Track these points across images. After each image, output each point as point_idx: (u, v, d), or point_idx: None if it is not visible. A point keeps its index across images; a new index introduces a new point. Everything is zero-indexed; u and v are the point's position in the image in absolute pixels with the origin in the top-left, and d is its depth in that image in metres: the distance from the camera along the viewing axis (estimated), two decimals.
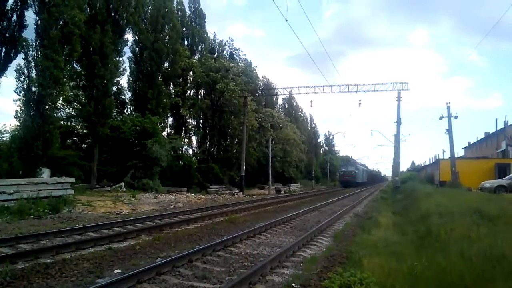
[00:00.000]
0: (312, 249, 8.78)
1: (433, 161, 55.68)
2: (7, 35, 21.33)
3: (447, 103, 30.76)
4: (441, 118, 30.21)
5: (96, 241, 8.27)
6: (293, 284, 5.61)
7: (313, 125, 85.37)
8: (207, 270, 6.50)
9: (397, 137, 34.56)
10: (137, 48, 33.10)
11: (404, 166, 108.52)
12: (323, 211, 17.03)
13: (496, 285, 4.93)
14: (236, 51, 40.55)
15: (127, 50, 31.21)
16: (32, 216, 11.51)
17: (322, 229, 11.38)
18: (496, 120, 47.57)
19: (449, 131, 29.56)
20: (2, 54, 21.50)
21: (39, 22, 19.99)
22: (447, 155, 34.07)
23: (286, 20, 15.69)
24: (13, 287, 5.05)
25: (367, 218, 14.68)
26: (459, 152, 59.17)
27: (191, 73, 37.96)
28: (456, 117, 30.24)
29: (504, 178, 24.67)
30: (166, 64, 34.28)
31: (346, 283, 5.36)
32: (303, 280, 5.82)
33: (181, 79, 37.73)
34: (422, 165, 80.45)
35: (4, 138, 27.99)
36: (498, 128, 46.78)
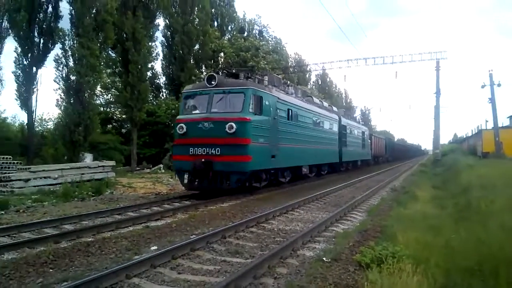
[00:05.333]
0: (345, 224, 8.73)
1: (476, 132, 53.15)
2: (44, 26, 22.17)
3: (489, 71, 29.04)
4: (483, 86, 28.65)
5: (135, 220, 8.62)
6: (324, 258, 5.62)
7: (348, 101, 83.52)
8: (239, 245, 6.64)
9: (436, 108, 33.26)
10: (169, 32, 33.38)
11: (446, 139, 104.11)
12: (358, 187, 16.80)
13: None
14: (265, 28, 40.05)
15: (159, 35, 31.65)
16: (76, 199, 12.12)
17: (356, 204, 11.26)
18: None
19: (492, 100, 28.03)
20: (41, 45, 22.39)
21: (73, 12, 20.63)
22: (490, 125, 32.37)
23: None
24: (55, 264, 5.37)
25: (404, 192, 14.35)
26: (504, 121, 55.82)
27: (221, 54, 37.92)
28: (499, 85, 28.57)
29: None
30: (197, 47, 34.44)
31: (377, 256, 5.30)
32: (334, 254, 5.82)
33: (212, 61, 37.80)
34: (465, 136, 76.82)
35: (49, 126, 29.44)
36: None
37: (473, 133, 57.11)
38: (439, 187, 15.74)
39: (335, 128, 22.51)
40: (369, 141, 34.11)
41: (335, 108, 25.68)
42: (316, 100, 21.78)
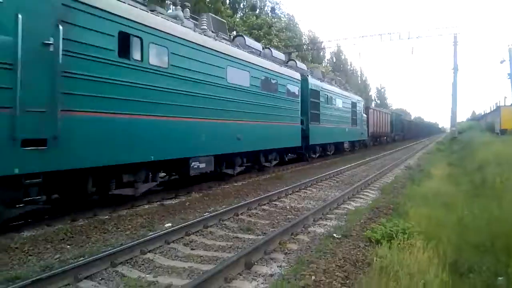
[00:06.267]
0: (358, 201, 8.75)
1: (494, 108, 51.74)
2: None
3: (508, 45, 28.15)
4: (502, 62, 27.86)
5: (150, 198, 8.77)
6: (335, 235, 5.66)
7: (363, 78, 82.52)
8: (251, 223, 6.74)
9: (454, 85, 32.45)
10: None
11: (464, 116, 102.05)
12: (372, 165, 16.72)
13: None
14: (277, 5, 39.48)
15: None
16: None
17: (369, 183, 11.25)
18: None
19: (511, 76, 27.24)
20: None
21: None
22: (509, 102, 31.55)
23: None
24: (72, 241, 5.56)
25: (419, 170, 14.22)
26: None
27: (234, 32, 37.61)
28: None
29: None
30: None
31: (388, 233, 5.33)
32: (345, 231, 5.86)
33: None
34: (483, 114, 74.94)
35: None
36: None
37: (491, 110, 55.45)
38: (455, 165, 15.54)
39: (295, 92, 14.87)
40: (365, 115, 27.16)
41: (302, 65, 18.27)
42: (251, 41, 13.47)
